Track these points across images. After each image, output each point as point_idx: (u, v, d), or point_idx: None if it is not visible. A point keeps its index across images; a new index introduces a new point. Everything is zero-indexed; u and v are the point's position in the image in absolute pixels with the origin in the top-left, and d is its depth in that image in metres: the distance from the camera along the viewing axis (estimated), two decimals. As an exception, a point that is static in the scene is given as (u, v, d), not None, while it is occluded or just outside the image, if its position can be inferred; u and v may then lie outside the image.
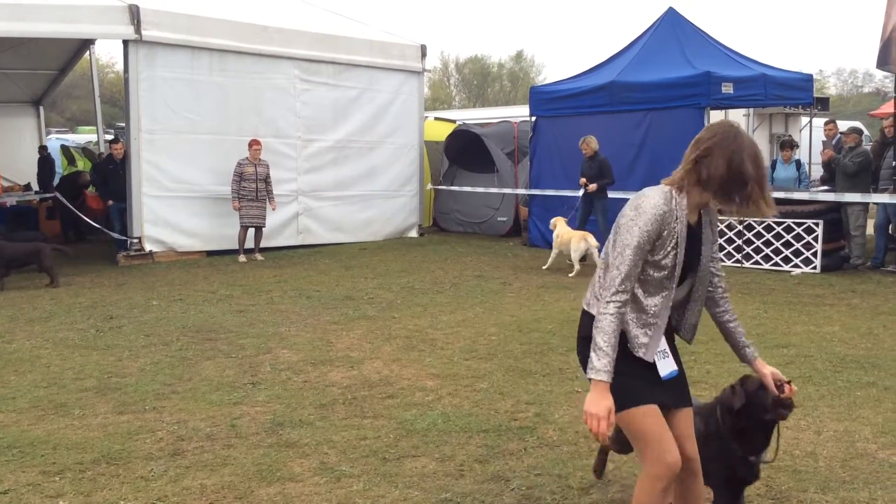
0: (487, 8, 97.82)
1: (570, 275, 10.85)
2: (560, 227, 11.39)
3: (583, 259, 10.92)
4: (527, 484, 4.07)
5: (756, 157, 2.85)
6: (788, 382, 3.05)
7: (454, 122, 19.13)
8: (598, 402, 2.80)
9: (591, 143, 11.80)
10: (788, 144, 12.53)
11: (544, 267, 11.44)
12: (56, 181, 16.91)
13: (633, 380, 2.93)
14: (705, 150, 2.94)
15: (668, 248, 2.91)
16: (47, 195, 14.94)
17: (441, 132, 17.40)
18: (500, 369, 6.20)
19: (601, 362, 2.79)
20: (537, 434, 4.76)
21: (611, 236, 3.00)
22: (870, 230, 11.45)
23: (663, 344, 3.05)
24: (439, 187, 16.56)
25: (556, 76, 67.40)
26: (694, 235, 2.99)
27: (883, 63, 11.11)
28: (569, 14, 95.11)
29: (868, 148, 11.14)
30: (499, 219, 15.83)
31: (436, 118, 20.90)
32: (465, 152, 16.36)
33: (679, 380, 3.10)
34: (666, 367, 3.04)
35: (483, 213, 16.07)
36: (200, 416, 5.16)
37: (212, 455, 4.50)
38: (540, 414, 5.12)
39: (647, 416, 2.93)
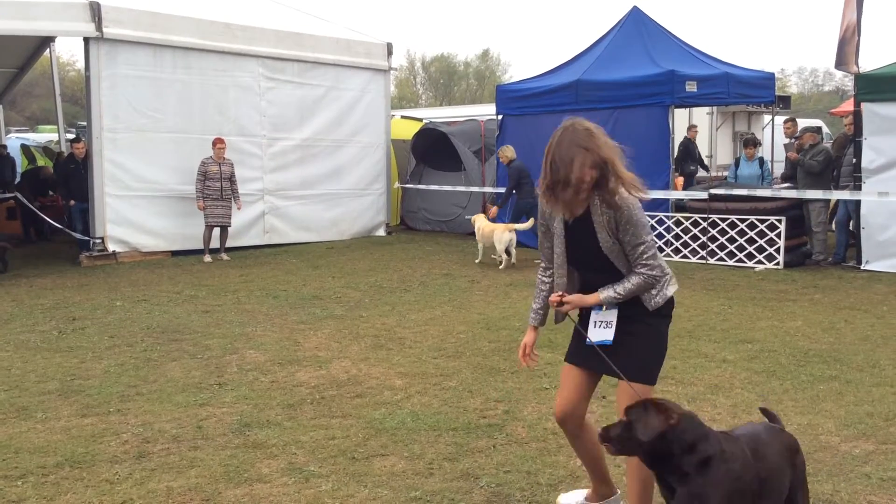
0: (453, 6, 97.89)
1: (500, 267, 11.35)
2: (479, 221, 11.90)
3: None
4: (496, 481, 4.08)
5: (551, 157, 3.25)
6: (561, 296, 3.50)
7: (421, 120, 19.10)
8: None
9: (506, 153, 12.31)
10: (752, 142, 12.70)
11: (476, 261, 11.90)
12: (17, 180, 16.61)
13: (571, 341, 3.68)
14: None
15: (554, 240, 3.51)
16: (8, 195, 14.68)
17: (408, 131, 17.37)
18: (468, 367, 6.21)
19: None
20: (506, 431, 4.77)
21: None
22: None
23: (611, 315, 3.44)
24: (406, 186, 16.53)
25: (521, 75, 67.38)
26: (576, 228, 3.40)
27: (840, 63, 11.31)
28: (534, 13, 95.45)
29: (828, 146, 11.31)
30: (466, 217, 15.84)
31: (402, 117, 20.84)
32: (431, 151, 16.34)
33: (609, 350, 3.40)
34: (597, 335, 3.46)
35: (450, 211, 16.07)
36: (166, 418, 5.09)
37: (178, 457, 4.45)
38: (509, 411, 5.13)
39: (564, 370, 3.66)
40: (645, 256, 3.33)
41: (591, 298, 3.42)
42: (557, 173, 3.17)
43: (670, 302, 3.46)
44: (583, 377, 3.59)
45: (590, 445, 3.66)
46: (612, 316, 3.42)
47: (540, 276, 3.71)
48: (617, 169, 3.22)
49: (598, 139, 3.22)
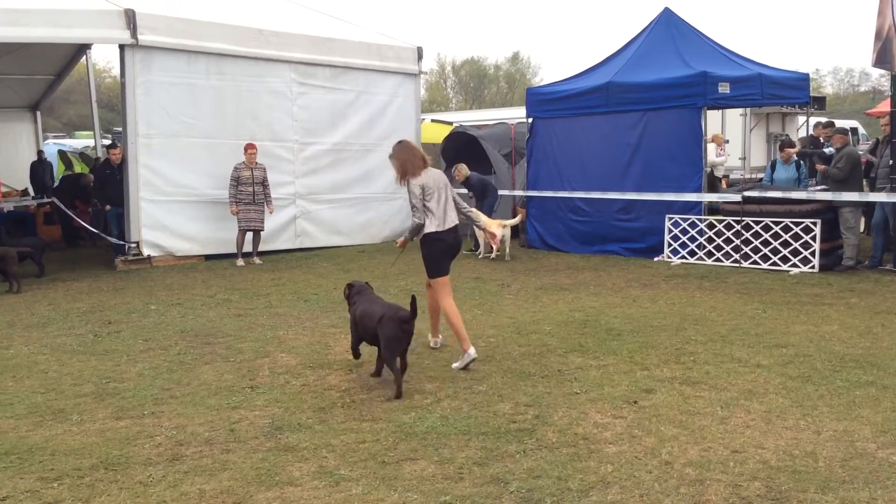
0: (483, 10, 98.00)
1: (491, 256, 12.61)
2: (481, 216, 12.26)
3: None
4: (526, 486, 4.06)
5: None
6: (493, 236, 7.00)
7: (451, 124, 19.12)
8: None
9: (462, 170, 13.35)
10: (787, 144, 12.51)
11: (479, 255, 12.87)
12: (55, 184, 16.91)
13: (444, 260, 6.67)
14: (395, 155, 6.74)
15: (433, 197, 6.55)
16: (45, 200, 14.93)
17: (438, 134, 17.39)
18: (498, 371, 6.20)
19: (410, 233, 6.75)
20: (536, 436, 4.76)
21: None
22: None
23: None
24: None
25: (552, 77, 67.54)
26: (440, 185, 6.63)
27: (882, 62, 11.08)
28: (564, 15, 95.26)
29: (852, 149, 11.10)
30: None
31: (432, 120, 20.88)
32: (462, 154, 16.32)
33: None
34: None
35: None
36: (199, 421, 5.15)
37: (210, 460, 4.49)
38: (539, 416, 5.11)
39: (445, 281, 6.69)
40: (413, 211, 6.52)
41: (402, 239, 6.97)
42: (397, 168, 6.67)
43: (426, 235, 6.54)
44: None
45: (436, 309, 7.04)
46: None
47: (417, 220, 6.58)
48: (404, 167, 6.59)
49: (401, 151, 6.68)
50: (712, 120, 15.53)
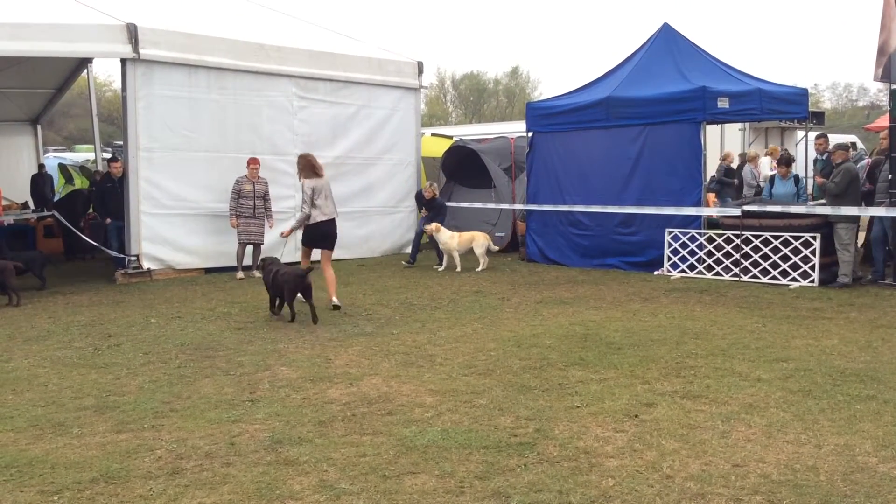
0: (483, 25, 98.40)
1: (478, 269, 12.89)
2: (447, 232, 13.20)
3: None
4: (527, 500, 4.05)
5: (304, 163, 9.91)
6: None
7: (451, 137, 19.20)
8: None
9: (434, 190, 14.10)
10: (785, 161, 12.51)
11: (440, 269, 13.07)
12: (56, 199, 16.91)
13: (326, 241, 9.88)
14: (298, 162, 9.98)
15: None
16: (46, 213, 14.94)
17: (438, 148, 17.46)
18: (499, 385, 6.19)
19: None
20: (537, 450, 4.75)
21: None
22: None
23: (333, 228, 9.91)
24: (437, 203, 16.57)
25: (551, 92, 67.45)
26: (326, 188, 9.80)
27: (887, 77, 11.06)
28: (564, 30, 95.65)
29: (850, 164, 11.13)
30: (496, 234, 15.86)
31: (433, 134, 20.96)
32: (462, 168, 16.40)
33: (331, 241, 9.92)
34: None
35: (481, 228, 16.06)
36: (199, 434, 5.14)
37: (211, 473, 4.48)
38: (540, 429, 5.11)
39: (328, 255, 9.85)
40: (303, 205, 9.57)
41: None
42: (299, 172, 9.88)
43: (314, 223, 9.61)
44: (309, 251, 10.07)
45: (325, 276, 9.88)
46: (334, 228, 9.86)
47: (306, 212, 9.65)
48: (304, 172, 9.73)
49: (303, 161, 9.86)
50: (712, 134, 15.58)
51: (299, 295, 8.79)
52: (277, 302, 9.18)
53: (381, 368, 6.77)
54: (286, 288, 8.74)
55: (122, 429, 5.28)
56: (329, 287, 9.76)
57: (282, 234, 10.32)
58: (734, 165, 16.94)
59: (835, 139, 15.18)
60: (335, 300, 9.63)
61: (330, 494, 4.17)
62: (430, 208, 13.93)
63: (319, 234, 9.74)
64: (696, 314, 8.92)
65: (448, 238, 13.06)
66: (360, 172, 14.85)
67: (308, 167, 9.70)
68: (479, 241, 13.09)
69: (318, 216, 9.58)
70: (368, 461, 4.62)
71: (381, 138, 15.19)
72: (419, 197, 14.37)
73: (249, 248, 12.72)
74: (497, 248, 13.73)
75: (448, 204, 16.23)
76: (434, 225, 13.15)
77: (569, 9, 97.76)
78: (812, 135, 13.73)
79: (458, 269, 12.91)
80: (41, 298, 10.76)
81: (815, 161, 12.85)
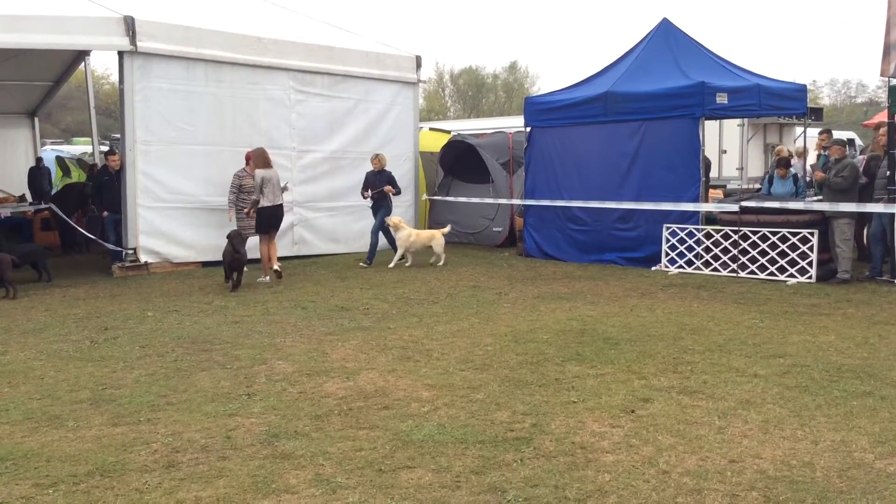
0: (482, 19, 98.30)
1: (440, 263, 13.00)
2: (408, 228, 13.23)
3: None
4: (523, 495, 4.05)
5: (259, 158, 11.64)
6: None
7: (449, 132, 19.15)
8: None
9: (382, 160, 13.44)
10: (784, 164, 12.41)
11: (391, 265, 12.88)
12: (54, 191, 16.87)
13: (270, 224, 11.55)
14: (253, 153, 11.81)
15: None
16: (43, 206, 14.90)
17: (436, 143, 17.42)
18: (495, 380, 6.19)
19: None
20: (534, 445, 4.75)
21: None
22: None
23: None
24: (434, 198, 16.56)
25: (550, 87, 67.56)
26: (274, 179, 11.51)
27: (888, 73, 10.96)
28: (563, 25, 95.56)
29: (854, 161, 11.09)
30: (494, 229, 15.85)
31: (431, 129, 20.91)
32: (460, 163, 16.37)
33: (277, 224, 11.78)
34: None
35: (478, 223, 16.08)
36: (195, 428, 5.13)
37: (207, 467, 4.48)
38: (536, 424, 5.11)
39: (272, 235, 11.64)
40: (254, 192, 11.37)
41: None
42: (252, 163, 11.67)
43: (262, 208, 11.34)
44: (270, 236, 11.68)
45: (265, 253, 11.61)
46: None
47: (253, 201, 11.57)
48: (256, 163, 11.45)
49: (256, 153, 11.63)
50: (710, 130, 15.56)
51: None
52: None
53: (377, 363, 6.77)
54: (226, 265, 10.90)
55: (118, 422, 5.28)
56: (272, 258, 11.54)
57: (245, 212, 11.78)
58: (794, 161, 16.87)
59: (833, 136, 15.16)
60: (276, 266, 11.47)
61: (326, 488, 4.16)
62: (377, 185, 13.24)
63: (265, 218, 11.43)
64: (694, 310, 8.92)
65: (406, 236, 13.01)
66: (357, 167, 14.79)
67: (261, 159, 11.43)
68: (438, 239, 13.21)
69: (264, 202, 11.31)
70: (364, 455, 4.62)
71: (379, 133, 15.14)
72: (367, 177, 13.52)
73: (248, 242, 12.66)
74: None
75: (446, 199, 16.27)
76: (397, 218, 13.14)
77: (568, 4, 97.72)
78: (810, 131, 13.74)
79: (409, 263, 13.10)
80: (38, 291, 10.74)
81: (819, 156, 12.82)
